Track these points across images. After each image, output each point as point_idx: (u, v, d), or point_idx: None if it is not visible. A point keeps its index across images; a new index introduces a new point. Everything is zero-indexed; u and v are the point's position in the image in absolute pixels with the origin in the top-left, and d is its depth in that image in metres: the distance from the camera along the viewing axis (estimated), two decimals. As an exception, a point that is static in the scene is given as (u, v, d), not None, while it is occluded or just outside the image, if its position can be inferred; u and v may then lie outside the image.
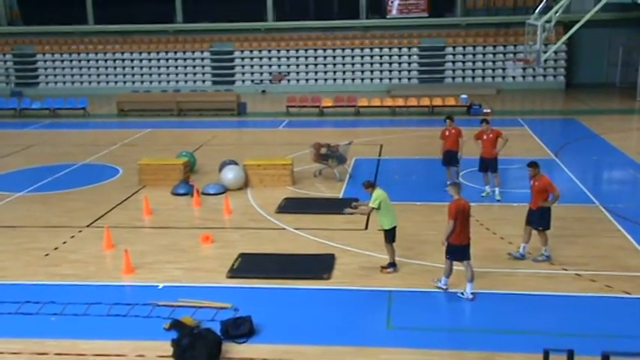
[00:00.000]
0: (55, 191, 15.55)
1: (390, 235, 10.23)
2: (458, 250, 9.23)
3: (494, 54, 32.77)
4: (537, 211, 10.49)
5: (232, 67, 34.07)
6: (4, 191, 15.51)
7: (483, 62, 32.77)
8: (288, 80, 33.63)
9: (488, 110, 24.52)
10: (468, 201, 9.38)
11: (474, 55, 32.83)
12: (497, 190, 14.00)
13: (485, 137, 13.84)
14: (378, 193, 10.10)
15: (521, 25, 25.91)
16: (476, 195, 13.96)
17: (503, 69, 32.41)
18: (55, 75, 34.78)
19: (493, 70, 32.73)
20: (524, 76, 32.28)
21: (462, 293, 9.26)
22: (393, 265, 10.29)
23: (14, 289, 9.95)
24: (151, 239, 12.12)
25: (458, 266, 9.40)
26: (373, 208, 10.12)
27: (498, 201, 13.84)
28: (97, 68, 34.55)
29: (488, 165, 13.93)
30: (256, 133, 23.34)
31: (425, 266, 10.47)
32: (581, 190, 14.46)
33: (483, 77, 32.66)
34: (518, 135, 20.11)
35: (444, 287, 9.47)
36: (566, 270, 10.25)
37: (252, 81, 33.81)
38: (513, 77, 32.26)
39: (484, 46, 32.78)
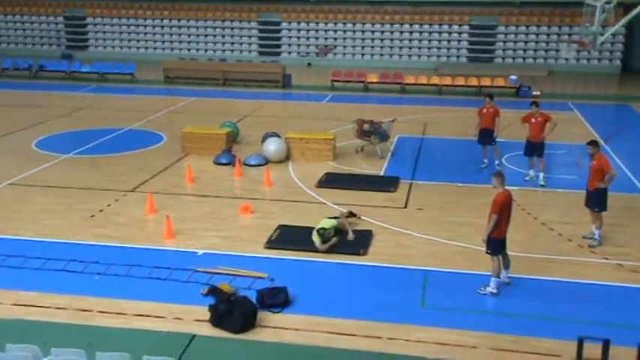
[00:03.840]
0: (101, 155, 15.94)
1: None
2: (500, 244, 8.90)
3: (547, 34, 31.77)
4: (594, 192, 10.40)
5: (279, 39, 33.99)
6: (53, 152, 15.98)
7: (536, 42, 31.83)
8: (335, 54, 33.40)
9: (538, 93, 23.91)
10: (510, 192, 8.96)
11: (526, 35, 31.92)
12: (541, 174, 13.73)
13: (533, 120, 13.55)
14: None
15: (579, 5, 24.98)
16: (519, 179, 13.73)
17: (556, 50, 31.41)
18: (105, 39, 35.34)
19: (546, 51, 31.79)
20: (577, 59, 31.27)
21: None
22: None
23: (61, 247, 10.32)
24: (192, 206, 12.35)
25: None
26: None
27: (542, 186, 13.57)
28: (145, 34, 34.96)
29: (534, 149, 13.66)
30: (300, 106, 23.34)
31: (463, 248, 10.39)
32: (629, 179, 14.05)
33: (535, 58, 31.78)
34: (568, 119, 19.58)
35: (496, 291, 8.82)
36: (607, 259, 10.04)
37: (299, 53, 33.70)
38: (566, 59, 31.24)
39: (538, 26, 31.82)
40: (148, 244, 10.50)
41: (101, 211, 12.00)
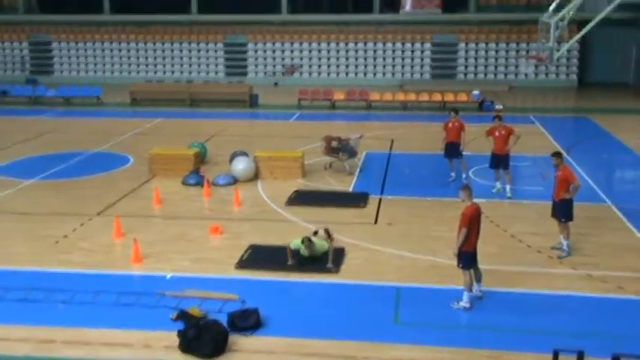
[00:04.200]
0: (66, 179, 15.62)
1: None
2: (471, 257, 8.89)
3: (506, 51, 32.50)
4: (560, 203, 10.56)
5: (245, 59, 34.03)
6: (16, 178, 15.60)
7: (496, 59, 32.53)
8: (301, 73, 33.56)
9: (501, 107, 24.35)
10: (479, 205, 9.00)
11: (486, 51, 32.60)
12: (508, 187, 13.92)
13: (497, 134, 13.75)
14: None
15: (534, 23, 25.58)
16: (487, 191, 13.88)
17: (516, 66, 32.12)
18: (70, 63, 34.92)
19: (505, 66, 32.49)
20: (536, 74, 32.01)
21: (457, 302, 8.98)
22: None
23: (23, 276, 10.01)
24: (161, 229, 12.15)
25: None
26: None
27: (509, 198, 13.75)
28: (112, 57, 34.65)
29: (499, 161, 13.86)
30: (268, 125, 23.32)
31: (434, 262, 10.42)
32: (592, 189, 14.32)
33: (495, 74, 32.44)
34: (530, 132, 19.93)
35: (469, 305, 8.81)
36: (576, 270, 10.16)
37: (265, 73, 33.78)
38: (526, 74, 31.97)
39: (497, 43, 32.55)
40: (114, 270, 10.27)
41: (66, 236, 11.71)
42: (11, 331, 8.33)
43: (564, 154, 16.35)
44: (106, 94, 27.85)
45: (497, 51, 32.51)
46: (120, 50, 34.63)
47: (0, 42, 35.45)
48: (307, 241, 10.17)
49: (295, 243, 10.26)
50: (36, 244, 11.34)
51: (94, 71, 34.65)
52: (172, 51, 34.33)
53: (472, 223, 8.72)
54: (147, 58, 34.44)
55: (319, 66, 33.48)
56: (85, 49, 34.84)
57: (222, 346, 7.83)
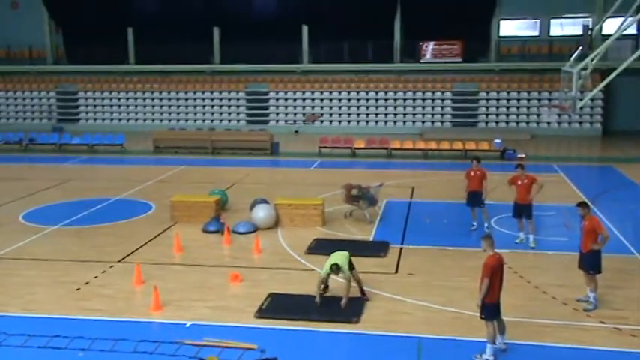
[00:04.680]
0: (88, 225, 15.79)
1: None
2: (494, 308, 8.71)
3: (528, 99, 32.61)
4: (588, 254, 10.35)
5: (266, 108, 34.58)
6: (40, 224, 15.80)
7: (517, 107, 32.62)
8: (322, 121, 33.93)
9: (523, 155, 24.27)
10: (501, 255, 8.90)
11: (507, 100, 32.74)
12: (531, 237, 13.73)
13: (519, 183, 13.67)
14: (337, 258, 10.54)
15: (556, 72, 25.70)
16: (510, 241, 13.70)
17: (538, 115, 32.12)
18: (95, 112, 35.78)
19: (527, 115, 32.52)
20: (559, 123, 31.93)
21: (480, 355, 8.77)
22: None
23: (45, 322, 10.03)
24: (181, 276, 12.15)
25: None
26: (350, 275, 10.51)
27: (532, 248, 13.54)
28: (136, 106, 35.47)
29: (522, 211, 13.72)
30: (288, 173, 23.46)
31: (456, 313, 10.23)
32: (619, 240, 14.05)
33: (517, 122, 32.46)
34: (554, 181, 19.78)
35: (492, 358, 8.60)
36: (604, 323, 9.89)
37: (286, 121, 34.21)
38: (548, 123, 31.90)
39: (518, 92, 32.70)
40: (134, 317, 10.24)
41: (87, 283, 11.76)
42: (30, 379, 8.30)
43: (589, 204, 16.17)
44: (129, 142, 28.37)
45: (518, 100, 32.63)
46: (144, 99, 35.46)
47: (29, 91, 36.56)
48: (335, 267, 10.46)
49: (325, 269, 10.52)
50: (57, 291, 11.39)
51: (119, 119, 35.43)
52: (195, 100, 35.04)
53: (494, 273, 8.59)
54: (170, 106, 35.17)
55: (340, 114, 33.85)
56: (110, 99, 35.75)
57: (240, 398, 7.70)
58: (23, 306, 10.70)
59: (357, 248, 13.56)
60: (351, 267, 10.70)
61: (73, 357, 8.90)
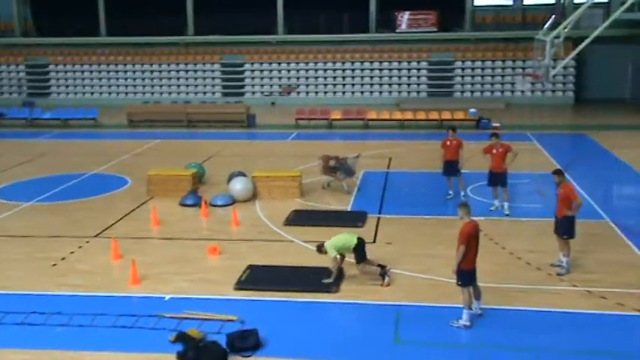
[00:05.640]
0: (63, 201, 15.60)
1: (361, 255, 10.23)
2: (470, 275, 8.87)
3: (503, 68, 32.76)
4: (563, 219, 10.57)
5: (242, 80, 34.23)
6: (13, 200, 15.58)
7: (492, 77, 32.77)
8: (298, 93, 33.74)
9: (498, 124, 24.46)
10: (476, 222, 9.02)
11: (482, 69, 32.84)
12: (506, 204, 13.93)
13: (494, 151, 13.80)
14: (333, 242, 10.18)
15: (530, 41, 25.85)
16: (485, 209, 13.89)
17: (512, 83, 32.37)
18: (67, 86, 35.07)
19: (502, 84, 32.72)
20: (533, 91, 32.21)
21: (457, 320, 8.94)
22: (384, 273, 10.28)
23: (21, 300, 9.95)
24: (159, 250, 12.12)
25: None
26: (335, 257, 10.17)
27: (507, 215, 13.75)
28: (109, 79, 34.83)
29: (497, 179, 13.89)
30: (265, 145, 23.37)
31: (433, 280, 10.39)
32: (591, 206, 14.34)
33: (492, 91, 32.65)
34: (528, 150, 20.02)
35: (469, 323, 8.77)
36: (576, 286, 10.14)
37: (262, 93, 33.94)
38: (522, 92, 32.19)
39: (493, 61, 32.81)
40: (112, 292, 10.21)
41: (63, 259, 11.67)
42: (10, 355, 8.26)
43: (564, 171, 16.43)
44: (102, 116, 27.94)
45: (493, 69, 32.76)
46: (117, 72, 34.81)
47: (-3, 65, 35.64)
48: (320, 246, 10.32)
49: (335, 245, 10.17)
50: (33, 267, 11.29)
51: (91, 93, 34.79)
52: (169, 72, 34.52)
53: (470, 240, 8.72)
54: (143, 79, 34.61)
55: (316, 85, 33.67)
56: (82, 72, 35.02)
57: (221, 368, 7.77)
58: (-1, 283, 10.60)
59: (335, 219, 13.68)
60: (360, 256, 10.20)
61: (52, 333, 8.86)
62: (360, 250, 10.25)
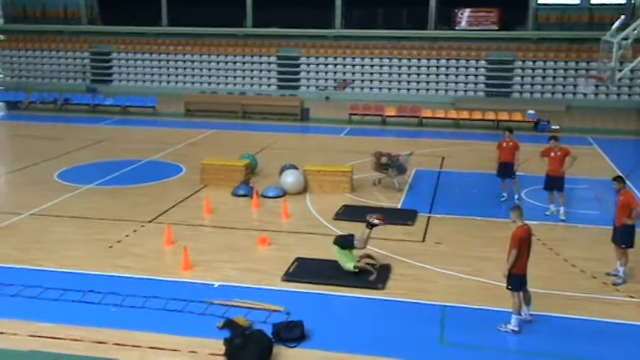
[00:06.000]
0: (121, 185, 16.09)
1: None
2: (521, 279, 8.69)
3: (565, 70, 31.83)
4: (621, 228, 10.24)
5: (298, 73, 34.42)
6: (75, 183, 16.16)
7: (553, 78, 31.88)
8: (352, 88, 33.69)
9: (557, 127, 23.80)
10: (529, 226, 8.83)
11: (544, 70, 32.01)
12: (562, 209, 13.57)
13: (552, 154, 13.46)
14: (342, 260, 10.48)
15: (596, 42, 25.00)
16: (540, 214, 13.57)
17: (574, 85, 31.39)
18: (128, 73, 36.06)
19: (563, 86, 31.80)
20: (596, 94, 31.17)
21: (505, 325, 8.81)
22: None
23: (79, 278, 10.34)
24: (210, 238, 12.36)
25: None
26: (356, 267, 10.42)
27: (563, 221, 13.40)
28: (168, 68, 35.64)
29: (554, 183, 13.54)
30: (318, 139, 23.46)
31: (483, 283, 10.23)
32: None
33: (553, 93, 31.78)
34: (588, 154, 19.42)
35: (517, 328, 8.62)
36: (632, 297, 9.80)
37: (317, 87, 34.05)
38: (585, 94, 31.19)
39: (555, 62, 31.92)
40: (164, 276, 10.49)
41: (119, 241, 12.05)
42: (68, 331, 8.61)
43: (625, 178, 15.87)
44: (161, 104, 28.61)
45: (555, 69, 31.88)
46: (175, 61, 35.57)
47: (63, 51, 36.95)
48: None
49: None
50: (91, 248, 11.71)
51: (151, 81, 35.66)
52: (226, 63, 35.03)
53: (522, 244, 8.55)
54: (201, 69, 35.24)
55: (371, 81, 33.53)
56: (143, 60, 35.94)
57: (266, 356, 7.89)
58: (59, 262, 11.03)
59: (385, 215, 13.59)
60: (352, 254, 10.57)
61: (106, 312, 9.19)
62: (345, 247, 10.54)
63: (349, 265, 10.37)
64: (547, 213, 13.73)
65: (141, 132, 24.00)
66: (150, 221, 13.26)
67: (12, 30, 38.15)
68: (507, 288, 8.77)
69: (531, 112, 25.16)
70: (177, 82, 35.38)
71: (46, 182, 16.31)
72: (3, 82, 36.99)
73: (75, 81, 36.41)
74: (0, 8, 38.27)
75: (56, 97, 29.21)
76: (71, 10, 37.58)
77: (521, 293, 8.77)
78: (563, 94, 31.68)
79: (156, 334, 8.54)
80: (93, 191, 15.61)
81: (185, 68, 35.46)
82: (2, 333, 8.56)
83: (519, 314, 8.75)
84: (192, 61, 35.39)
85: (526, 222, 8.76)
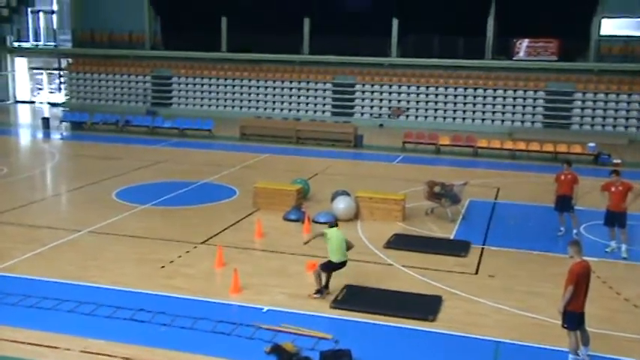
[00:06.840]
0: (176, 206, 16.41)
1: (331, 267, 10.60)
2: (578, 318, 8.35)
3: (628, 102, 30.89)
4: None
5: (352, 100, 34.59)
6: (132, 202, 16.58)
7: (615, 110, 30.95)
8: (407, 116, 33.58)
9: (619, 161, 23.01)
10: (588, 262, 8.49)
11: (605, 102, 31.13)
12: (624, 246, 13.03)
13: (613, 189, 12.99)
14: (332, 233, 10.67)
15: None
16: (600, 250, 13.07)
17: (638, 119, 30.39)
18: (187, 97, 37.07)
19: (626, 119, 30.83)
20: (661, 128, 30.08)
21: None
22: (320, 291, 10.53)
23: (131, 297, 10.53)
24: (260, 261, 12.41)
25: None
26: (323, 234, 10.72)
27: (625, 259, 12.85)
28: (225, 93, 36.47)
29: (615, 219, 13.03)
30: (371, 166, 23.40)
31: (537, 320, 9.87)
32: None
33: (614, 126, 30.82)
34: (652, 190, 18.62)
35: None
36: (700, 343, 9.27)
37: (371, 115, 34.10)
38: (648, 128, 30.14)
39: (617, 94, 31.03)
40: (214, 298, 10.56)
41: (172, 262, 12.24)
42: (118, 349, 8.74)
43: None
44: (217, 128, 29.20)
45: (617, 102, 30.97)
46: (233, 86, 36.38)
47: (127, 75, 38.35)
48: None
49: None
50: (144, 267, 11.93)
51: (208, 105, 36.53)
52: (282, 89, 35.58)
53: (580, 281, 8.22)
54: (257, 94, 35.91)
55: (426, 110, 33.36)
56: (202, 84, 36.91)
57: (312, 385, 7.80)
58: (113, 279, 11.27)
59: (437, 246, 13.40)
60: (327, 267, 10.65)
61: (156, 331, 9.30)
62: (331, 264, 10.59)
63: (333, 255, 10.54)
64: (607, 250, 13.20)
65: (197, 154, 24.51)
66: (202, 243, 13.43)
67: (79, 54, 39.92)
68: (563, 326, 8.43)
69: (592, 144, 24.45)
70: (233, 107, 36.11)
71: (105, 201, 16.80)
72: (69, 104, 38.63)
73: (136, 103, 37.68)
74: (70, 33, 40.13)
75: (118, 118, 30.29)
76: (136, 35, 39.07)
77: (578, 332, 8.41)
78: (626, 127, 30.70)
79: (204, 356, 8.56)
80: (148, 211, 15.97)
81: (242, 93, 36.19)
82: (57, 348, 8.77)
83: (577, 354, 8.38)
84: (249, 87, 36.11)
85: (585, 258, 8.44)
